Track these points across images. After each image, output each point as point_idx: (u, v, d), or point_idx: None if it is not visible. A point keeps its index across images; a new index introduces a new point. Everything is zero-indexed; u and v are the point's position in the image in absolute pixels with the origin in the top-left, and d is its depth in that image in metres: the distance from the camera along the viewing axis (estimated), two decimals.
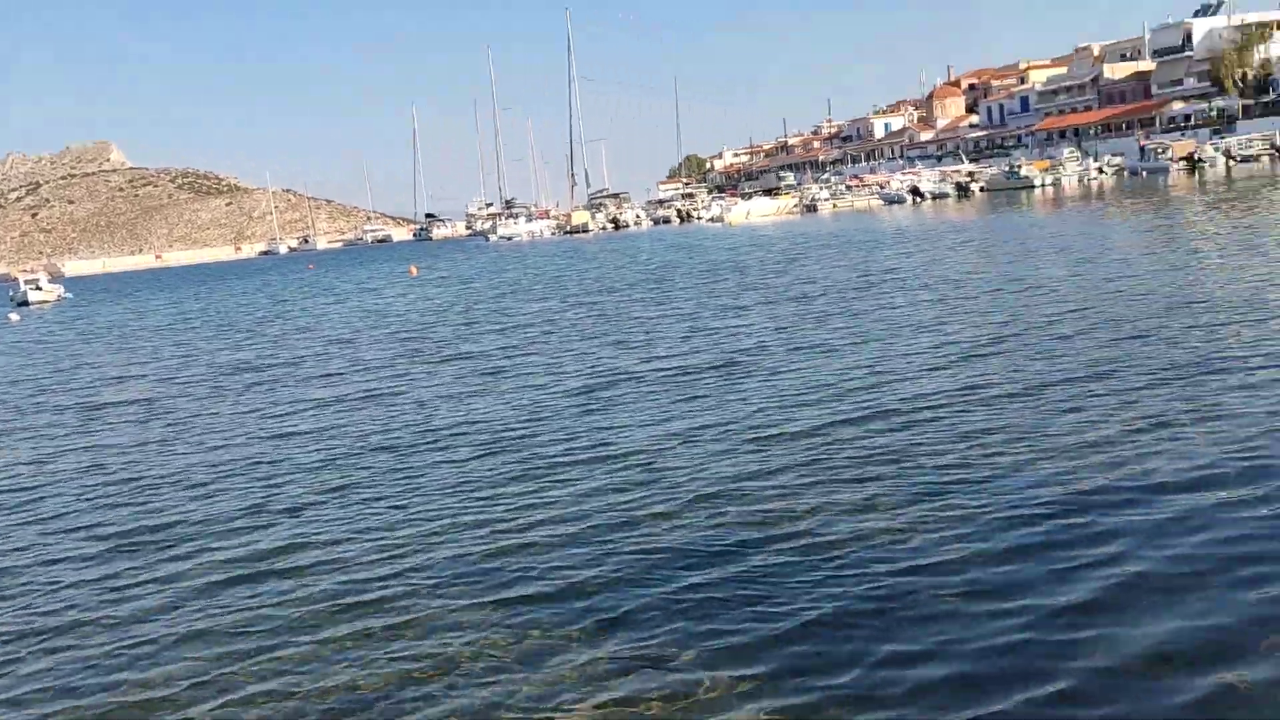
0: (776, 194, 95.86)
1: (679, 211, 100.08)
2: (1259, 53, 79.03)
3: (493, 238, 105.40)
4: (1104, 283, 17.78)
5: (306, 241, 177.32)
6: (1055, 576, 5.69)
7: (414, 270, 54.74)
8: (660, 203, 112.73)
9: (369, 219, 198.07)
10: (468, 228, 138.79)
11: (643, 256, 46.52)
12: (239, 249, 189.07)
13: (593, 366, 15.19)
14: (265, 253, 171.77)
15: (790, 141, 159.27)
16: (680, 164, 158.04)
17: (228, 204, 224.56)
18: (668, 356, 15.38)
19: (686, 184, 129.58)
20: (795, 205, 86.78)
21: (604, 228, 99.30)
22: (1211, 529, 6.07)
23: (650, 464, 9.08)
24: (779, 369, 13.17)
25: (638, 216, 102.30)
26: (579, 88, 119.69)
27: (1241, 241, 21.94)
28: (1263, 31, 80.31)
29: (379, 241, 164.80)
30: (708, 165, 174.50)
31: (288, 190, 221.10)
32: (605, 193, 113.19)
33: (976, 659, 4.89)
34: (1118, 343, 12.08)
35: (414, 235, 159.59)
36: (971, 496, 7.15)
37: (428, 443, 10.99)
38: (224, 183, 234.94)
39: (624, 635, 5.60)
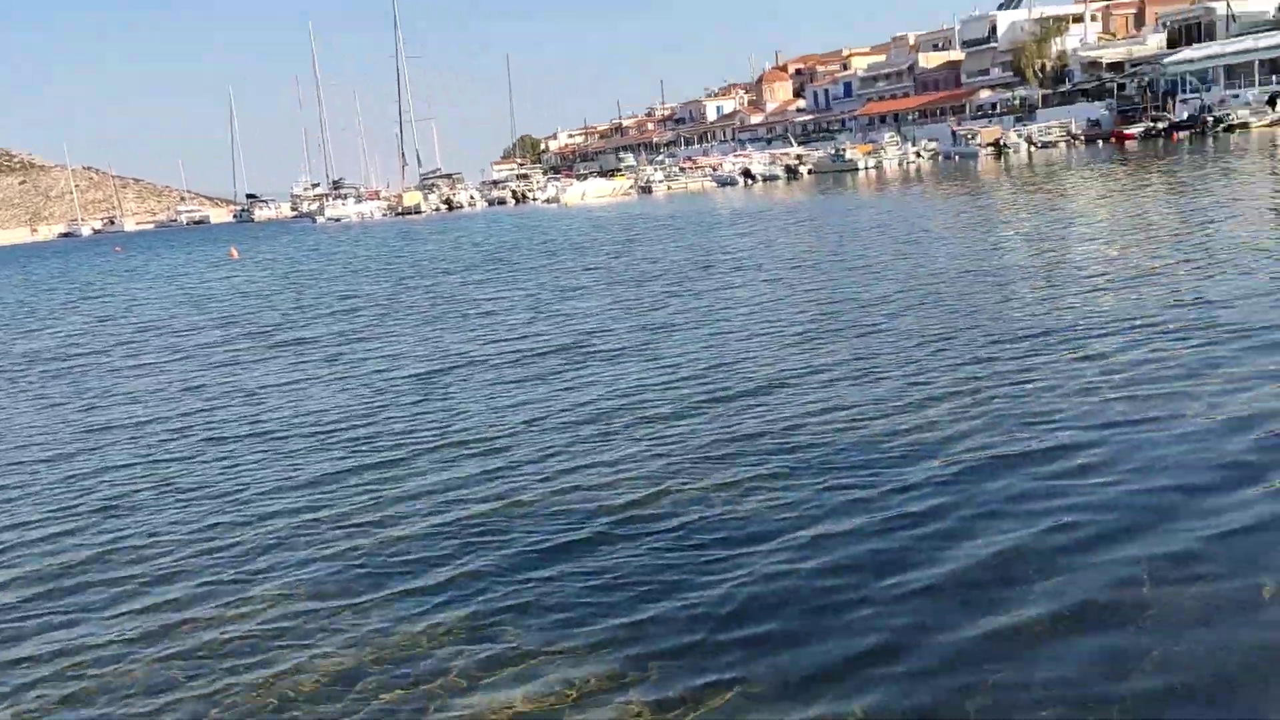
0: (613, 175, 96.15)
1: (514, 192, 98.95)
2: (1056, 45, 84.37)
3: (320, 219, 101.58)
4: (929, 260, 18.54)
5: (113, 223, 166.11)
6: (905, 552, 5.77)
7: (234, 253, 52.04)
8: (495, 183, 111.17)
9: (184, 199, 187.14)
10: (293, 209, 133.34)
11: (479, 238, 45.73)
12: (35, 230, 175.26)
13: (433, 351, 14.73)
14: (66, 235, 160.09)
15: (625, 123, 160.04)
16: (514, 145, 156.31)
17: (21, 182, 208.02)
18: (510, 339, 15.07)
19: (521, 165, 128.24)
20: (630, 186, 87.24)
21: (437, 209, 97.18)
22: (1060, 497, 6.28)
23: (496, 451, 8.82)
24: (622, 351, 13.10)
25: (472, 197, 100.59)
26: (407, 65, 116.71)
27: (1049, 220, 23.32)
28: (1059, 25, 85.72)
29: (196, 223, 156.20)
30: (542, 146, 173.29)
31: (89, 168, 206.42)
32: (438, 173, 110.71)
33: (836, 638, 4.89)
34: (947, 318, 12.56)
35: (234, 216, 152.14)
36: (819, 475, 7.22)
37: (258, 435, 10.36)
38: (16, 159, 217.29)
39: (478, 632, 5.36)
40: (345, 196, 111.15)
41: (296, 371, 14.13)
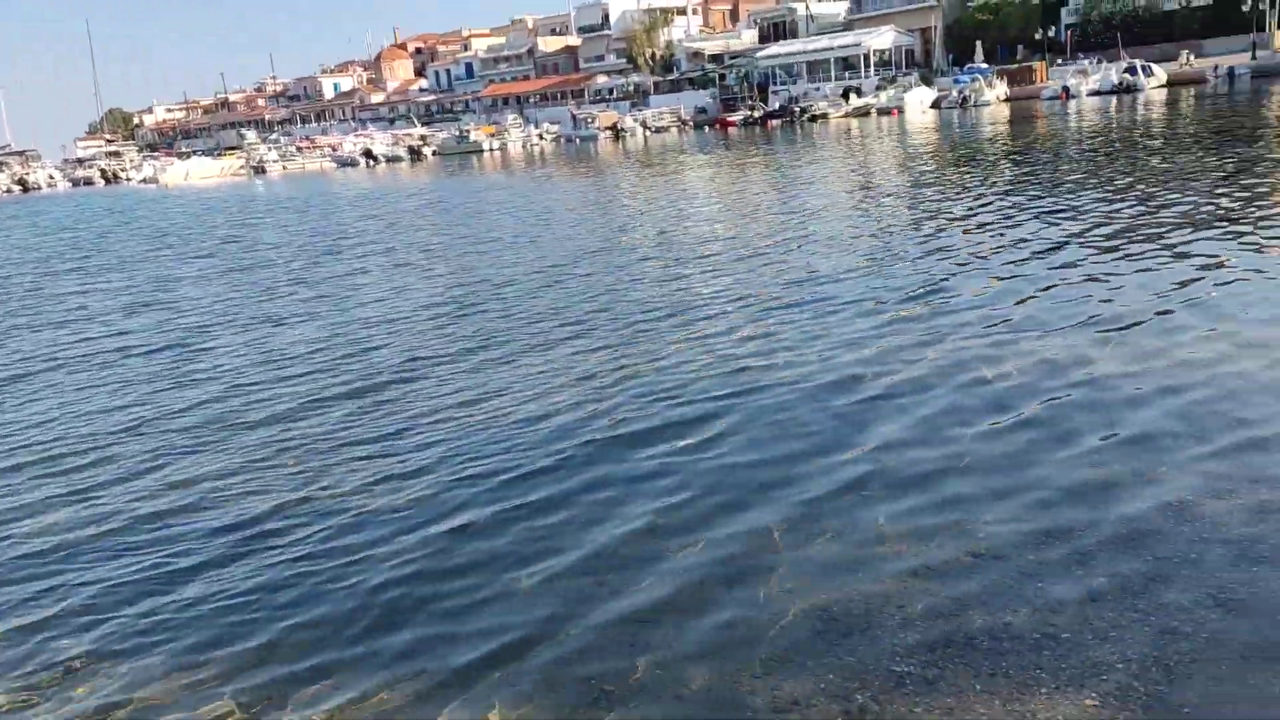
0: (221, 154, 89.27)
1: (104, 172, 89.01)
2: (664, 35, 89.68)
3: None
4: (560, 242, 18.76)
5: None
6: (546, 539, 5.62)
7: None
8: (80, 162, 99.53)
9: None
10: None
11: (67, 222, 40.41)
12: None
13: (7, 355, 12.59)
14: None
15: (232, 98, 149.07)
16: (102, 119, 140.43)
17: None
18: (106, 338, 13.26)
19: (111, 141, 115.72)
20: (241, 166, 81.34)
21: (9, 190, 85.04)
22: (692, 469, 6.38)
23: (92, 466, 7.62)
24: (243, 345, 11.94)
25: (51, 177, 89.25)
26: None
27: (669, 202, 24.56)
28: (665, 16, 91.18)
29: None
30: (136, 121, 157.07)
31: None
32: (7, 150, 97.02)
33: (477, 636, 4.65)
34: (580, 300, 12.66)
35: None
36: (457, 467, 6.88)
37: None
38: None
39: (88, 669, 4.60)
40: None
41: None
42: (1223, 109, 33.94)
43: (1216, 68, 49.94)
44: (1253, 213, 13.08)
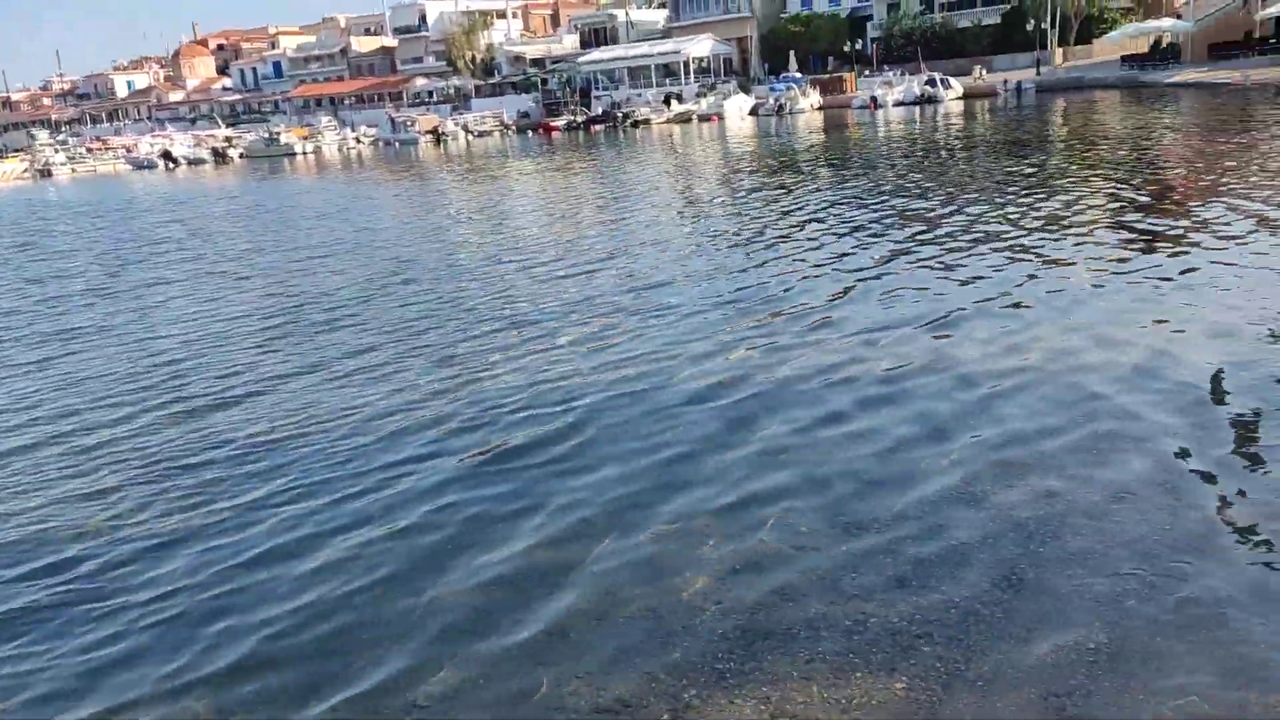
0: (3, 158, 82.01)
1: None
2: (484, 38, 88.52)
3: None
4: (388, 250, 17.99)
5: None
6: (424, 565, 5.26)
7: None
8: None
9: None
10: None
11: None
12: None
13: None
14: None
15: (15, 97, 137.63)
16: None
17: None
18: None
19: None
20: (25, 170, 74.99)
21: None
22: (558, 482, 6.13)
23: None
24: (40, 364, 10.80)
25: None
26: None
27: (499, 208, 24.08)
28: (485, 19, 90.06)
29: None
30: None
31: None
32: None
33: (364, 672, 4.26)
34: (415, 312, 12.10)
35: None
36: (302, 496, 6.38)
37: None
38: None
39: None
40: None
41: None
42: (1015, 119, 36.22)
43: (1005, 82, 53.36)
44: (1069, 216, 13.89)
